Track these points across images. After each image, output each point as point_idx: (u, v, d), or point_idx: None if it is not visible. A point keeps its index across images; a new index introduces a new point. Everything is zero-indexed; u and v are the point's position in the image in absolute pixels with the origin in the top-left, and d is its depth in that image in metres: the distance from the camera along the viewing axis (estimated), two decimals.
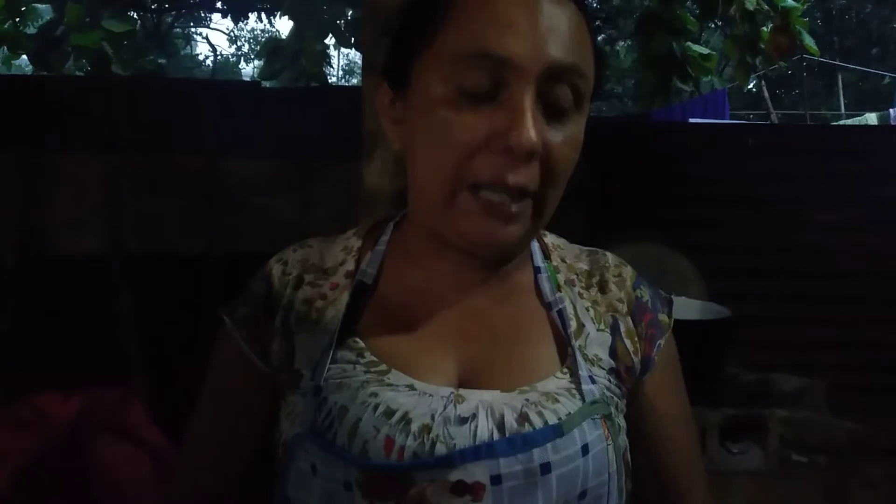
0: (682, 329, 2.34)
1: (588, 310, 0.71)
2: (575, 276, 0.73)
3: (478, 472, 0.59)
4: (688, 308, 2.28)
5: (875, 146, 3.44)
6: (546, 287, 0.71)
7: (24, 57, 4.80)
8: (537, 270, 0.72)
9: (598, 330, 0.70)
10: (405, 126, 0.65)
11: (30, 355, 2.46)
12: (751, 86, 11.61)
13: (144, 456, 1.63)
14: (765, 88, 10.35)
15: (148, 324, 2.47)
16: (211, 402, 0.75)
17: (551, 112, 0.60)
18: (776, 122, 9.86)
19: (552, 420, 0.62)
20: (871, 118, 7.58)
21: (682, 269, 2.74)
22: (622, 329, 0.71)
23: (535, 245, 0.73)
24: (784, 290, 3.23)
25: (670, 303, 0.77)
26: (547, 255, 0.74)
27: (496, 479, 0.59)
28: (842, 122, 8.54)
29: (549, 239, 0.77)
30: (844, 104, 12.71)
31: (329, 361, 0.65)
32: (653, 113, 5.03)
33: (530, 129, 0.57)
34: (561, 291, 0.71)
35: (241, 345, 0.71)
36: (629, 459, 0.68)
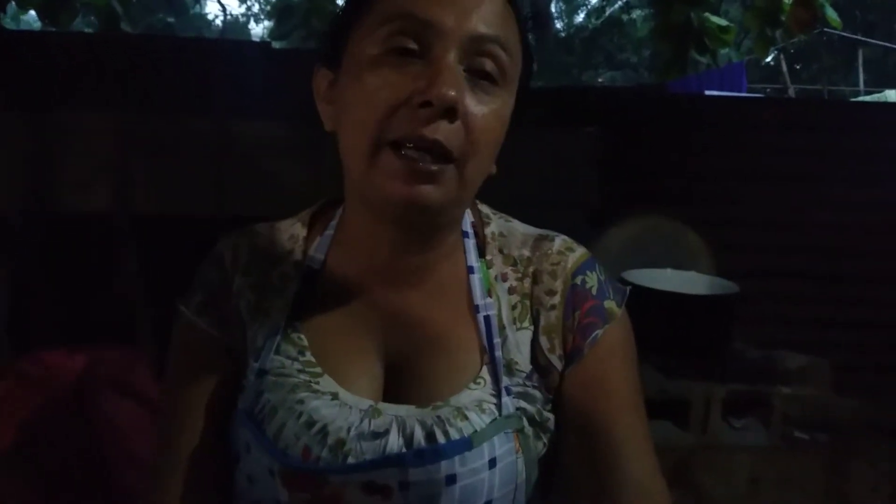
0: (690, 303, 2.35)
1: (515, 307, 0.72)
2: (509, 269, 0.73)
3: (387, 478, 0.64)
4: (696, 283, 2.27)
5: (894, 124, 3.38)
6: (477, 289, 0.71)
7: (33, 13, 4.75)
8: (470, 270, 0.72)
9: (519, 329, 0.71)
10: (337, 104, 0.67)
11: (38, 314, 2.48)
12: (769, 59, 11.43)
13: (149, 414, 1.64)
14: (783, 62, 10.19)
15: (155, 284, 2.48)
16: (186, 390, 0.73)
17: (476, 83, 0.62)
18: (793, 96, 9.72)
19: (457, 437, 0.65)
20: (891, 95, 7.47)
21: (691, 244, 2.73)
22: (541, 324, 0.71)
23: (471, 243, 0.74)
24: (793, 268, 3.21)
25: (624, 293, 0.75)
26: (482, 252, 0.74)
27: (404, 485, 0.64)
28: (861, 99, 8.41)
29: (492, 227, 0.76)
30: (864, 80, 12.50)
31: (273, 351, 0.70)
32: (669, 84, 4.97)
33: (449, 83, 0.59)
34: (491, 296, 0.72)
35: (207, 329, 0.73)
36: (550, 459, 0.71)
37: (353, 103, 0.63)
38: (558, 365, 0.71)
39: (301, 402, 0.67)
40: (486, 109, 0.62)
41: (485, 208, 0.79)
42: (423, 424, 0.65)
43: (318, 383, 0.68)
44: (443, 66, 0.60)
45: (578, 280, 0.72)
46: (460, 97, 0.60)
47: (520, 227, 0.77)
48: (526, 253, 0.74)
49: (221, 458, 0.72)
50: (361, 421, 0.66)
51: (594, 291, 0.72)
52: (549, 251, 0.74)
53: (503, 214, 0.79)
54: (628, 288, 0.77)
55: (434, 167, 0.61)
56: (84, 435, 1.59)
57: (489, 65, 0.62)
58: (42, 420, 1.59)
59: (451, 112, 0.60)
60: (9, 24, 5.92)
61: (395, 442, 0.65)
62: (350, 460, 0.64)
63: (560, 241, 0.75)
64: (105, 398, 1.65)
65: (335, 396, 0.68)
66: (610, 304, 0.73)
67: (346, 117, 0.65)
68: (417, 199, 0.61)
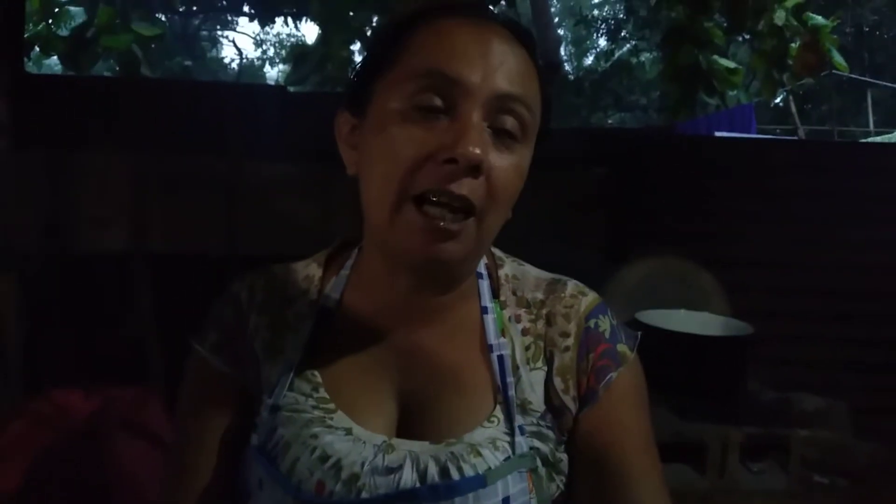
0: (704, 345, 2.32)
1: (528, 348, 0.72)
2: (523, 311, 0.74)
3: None
4: (710, 324, 2.25)
5: None
6: (491, 329, 0.72)
7: (55, 58, 4.88)
8: (484, 310, 0.74)
9: (532, 369, 0.72)
10: (360, 151, 0.69)
11: (52, 352, 2.49)
12: (778, 100, 11.51)
13: (162, 454, 1.63)
14: (792, 103, 10.26)
15: (169, 323, 2.49)
16: (199, 429, 0.74)
17: (498, 138, 0.64)
18: (803, 137, 9.75)
19: (471, 473, 0.65)
20: None
21: (704, 284, 2.72)
22: (556, 365, 0.72)
23: (485, 284, 0.75)
24: (808, 309, 3.18)
25: (636, 338, 0.76)
26: (496, 294, 0.75)
27: None
28: (870, 140, 8.42)
29: (505, 270, 0.78)
30: (874, 121, 12.54)
31: (286, 388, 0.71)
32: (678, 125, 5.00)
33: (475, 141, 0.61)
34: (504, 336, 0.73)
35: (221, 367, 0.74)
36: (563, 501, 0.71)
37: (377, 156, 0.65)
38: (572, 406, 0.71)
39: (315, 436, 0.67)
40: (507, 164, 0.64)
41: (497, 251, 0.80)
42: (436, 460, 0.66)
43: (331, 419, 0.69)
44: (469, 125, 0.62)
45: (592, 323, 0.73)
46: (485, 155, 0.62)
47: (532, 271, 0.79)
48: (539, 296, 0.75)
49: (230, 498, 0.72)
50: (375, 456, 0.66)
51: (607, 335, 0.73)
52: (563, 294, 0.75)
53: (515, 258, 0.81)
54: (639, 333, 0.77)
55: (455, 226, 0.62)
56: (96, 475, 1.58)
57: (511, 122, 0.64)
58: (54, 460, 1.58)
59: (475, 169, 0.61)
60: (31, 68, 6.08)
61: (409, 477, 0.65)
62: (364, 495, 0.64)
63: (572, 285, 0.76)
64: (117, 439, 1.64)
65: (349, 432, 0.68)
66: (623, 348, 0.74)
67: (370, 169, 0.66)
68: (438, 256, 0.63)
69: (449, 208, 0.62)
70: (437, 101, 0.63)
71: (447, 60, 0.63)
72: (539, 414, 0.70)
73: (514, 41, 0.66)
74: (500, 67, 0.64)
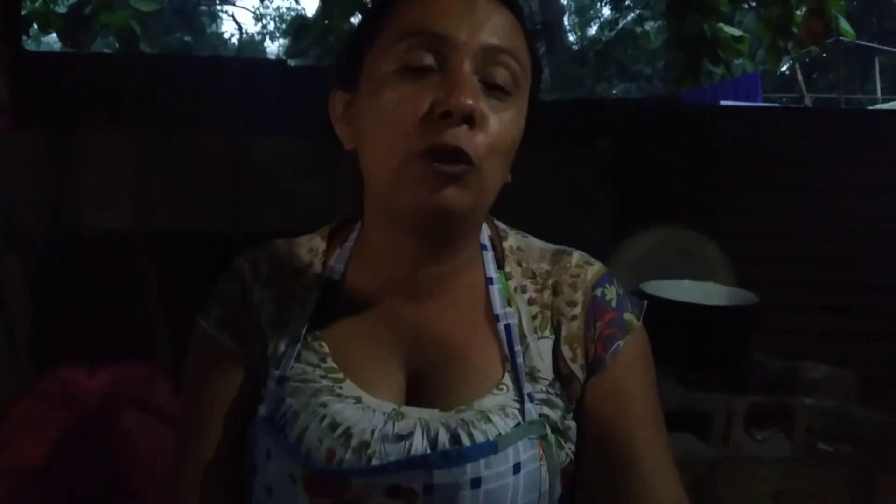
0: (710, 314, 2.32)
1: (535, 317, 0.73)
2: (528, 281, 0.75)
3: (412, 480, 0.64)
4: (715, 293, 2.25)
5: None
6: (497, 299, 0.73)
7: (53, 35, 4.84)
8: (489, 281, 0.74)
9: (540, 338, 0.72)
10: (356, 125, 0.69)
11: (58, 331, 2.51)
12: (784, 68, 11.38)
13: (171, 430, 1.65)
14: (799, 71, 10.13)
15: (174, 301, 2.50)
16: (205, 404, 0.74)
17: (490, 92, 0.65)
18: (810, 105, 9.65)
19: (482, 440, 0.65)
20: None
21: (710, 254, 2.70)
22: (563, 334, 0.72)
23: (489, 255, 0.75)
24: (814, 278, 3.17)
25: (642, 306, 0.77)
26: (501, 265, 0.76)
27: (429, 489, 0.64)
28: (878, 107, 8.33)
29: (510, 241, 0.78)
30: (881, 88, 12.39)
31: (294, 359, 0.71)
32: (683, 95, 4.96)
33: (466, 93, 0.62)
34: (511, 306, 0.73)
35: (226, 342, 0.74)
36: (572, 471, 0.71)
37: (375, 120, 0.66)
38: (580, 375, 0.72)
39: (324, 405, 0.68)
40: (501, 115, 0.65)
41: (501, 224, 0.80)
42: (447, 427, 0.66)
43: (340, 388, 0.69)
44: (459, 77, 0.63)
45: (598, 292, 0.73)
46: (477, 105, 0.63)
47: (537, 243, 0.79)
48: (545, 266, 0.75)
49: (238, 472, 0.73)
50: (385, 423, 0.67)
51: (614, 304, 0.74)
52: (568, 264, 0.75)
53: (519, 230, 0.81)
54: (645, 302, 0.77)
55: (457, 168, 0.63)
56: (105, 452, 1.60)
57: (501, 74, 0.66)
58: (63, 438, 1.60)
59: (469, 119, 0.62)
60: (30, 45, 6.04)
61: (419, 444, 0.65)
62: (374, 462, 0.65)
63: (577, 255, 0.77)
64: (126, 416, 1.66)
65: (358, 400, 0.69)
66: (629, 316, 0.74)
67: (370, 133, 0.67)
68: (444, 204, 0.63)
69: (450, 160, 0.62)
70: (428, 59, 0.64)
71: (434, 18, 0.64)
72: (548, 382, 0.71)
73: (498, 2, 0.68)
74: (485, 22, 0.65)
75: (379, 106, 0.65)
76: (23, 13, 3.44)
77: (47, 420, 1.63)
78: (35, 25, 4.43)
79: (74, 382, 1.73)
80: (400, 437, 0.66)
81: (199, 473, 0.72)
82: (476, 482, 0.64)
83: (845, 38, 5.00)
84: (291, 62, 4.02)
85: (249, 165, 2.64)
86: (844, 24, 4.19)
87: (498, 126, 0.65)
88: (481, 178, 0.64)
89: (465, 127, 0.62)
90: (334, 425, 0.66)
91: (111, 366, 1.83)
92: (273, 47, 23.86)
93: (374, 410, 0.68)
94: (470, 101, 0.62)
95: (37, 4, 4.54)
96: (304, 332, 0.72)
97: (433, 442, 0.65)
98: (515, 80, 0.66)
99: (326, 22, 5.95)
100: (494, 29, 0.65)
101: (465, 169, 0.63)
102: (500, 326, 0.72)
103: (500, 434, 0.66)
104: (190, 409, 0.75)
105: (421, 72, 0.64)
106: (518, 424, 0.67)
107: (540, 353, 0.71)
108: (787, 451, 1.99)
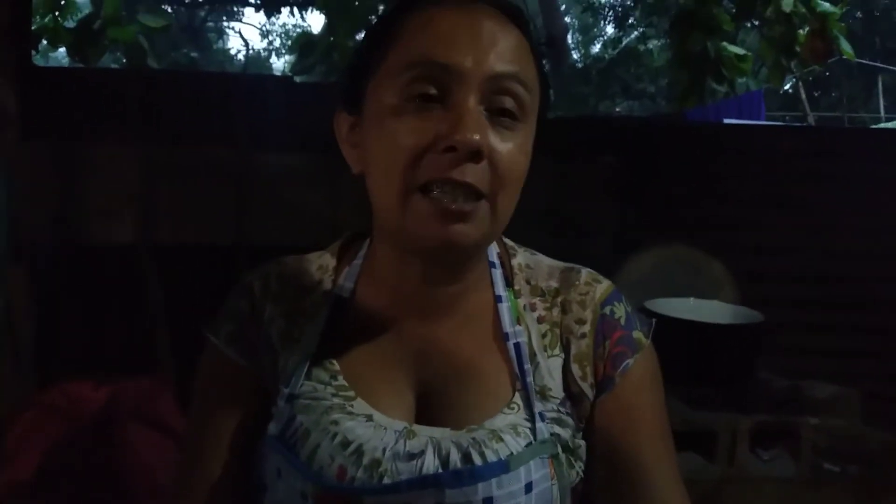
0: (715, 333, 2.31)
1: (545, 335, 0.72)
2: (537, 300, 0.74)
3: (424, 499, 0.63)
4: (720, 312, 2.24)
5: None
6: (506, 318, 0.72)
7: (62, 50, 4.88)
8: (498, 299, 0.73)
9: (549, 357, 0.71)
10: (361, 148, 0.68)
11: (62, 343, 2.51)
12: (787, 87, 11.42)
13: (173, 444, 1.65)
14: (802, 90, 10.16)
15: (178, 314, 2.50)
16: (213, 420, 0.74)
17: (497, 120, 0.63)
18: (813, 124, 9.67)
19: (494, 459, 0.64)
20: None
21: (714, 272, 2.70)
22: (573, 352, 0.72)
23: (498, 273, 0.75)
24: (818, 296, 3.16)
25: (650, 325, 0.76)
26: (510, 283, 0.75)
27: None
28: (881, 125, 8.35)
29: (518, 259, 0.78)
30: (884, 107, 12.42)
31: (304, 376, 0.70)
32: (687, 113, 4.97)
33: (472, 127, 0.60)
34: (520, 324, 0.72)
35: (236, 359, 0.74)
36: (582, 490, 0.71)
37: (378, 151, 0.65)
38: (590, 393, 0.71)
39: (335, 423, 0.67)
40: (509, 146, 0.64)
41: (509, 241, 0.80)
42: (458, 446, 0.65)
43: (352, 406, 0.69)
44: (464, 111, 0.61)
45: (607, 310, 0.73)
46: (484, 140, 0.61)
47: (545, 260, 0.79)
48: (553, 284, 0.75)
49: (245, 490, 0.72)
50: (396, 442, 0.66)
51: (622, 322, 0.73)
52: (577, 282, 0.75)
53: (527, 248, 0.80)
54: (653, 320, 0.77)
55: (467, 206, 0.62)
56: (108, 466, 1.59)
57: (509, 102, 0.64)
58: (66, 450, 1.60)
59: (476, 154, 0.61)
60: (39, 61, 6.09)
61: (430, 462, 0.64)
62: (386, 481, 0.64)
63: (586, 272, 0.76)
64: (129, 429, 1.65)
65: (370, 418, 0.68)
66: (638, 335, 0.74)
67: (373, 164, 0.66)
68: (452, 239, 0.62)
69: (460, 194, 0.61)
70: (431, 90, 0.62)
71: (437, 47, 0.62)
72: (558, 400, 0.70)
73: (505, 20, 0.66)
74: (491, 48, 0.63)
75: (381, 137, 0.64)
76: (32, 28, 3.47)
77: (50, 433, 1.63)
78: (44, 41, 4.47)
79: (77, 395, 1.73)
80: (411, 456, 0.65)
81: (205, 489, 0.71)
82: (488, 501, 0.63)
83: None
84: (297, 78, 4.05)
85: (254, 180, 2.65)
86: (845, 45, 4.21)
87: (506, 157, 0.63)
88: (493, 209, 0.64)
89: (472, 162, 0.61)
90: (346, 443, 0.66)
91: (114, 379, 1.83)
92: (279, 63, 24.06)
93: (385, 428, 0.67)
94: (476, 137, 0.60)
95: (46, 20, 4.58)
96: (314, 349, 0.71)
97: (444, 461, 0.64)
98: (522, 106, 0.65)
99: (332, 39, 5.99)
100: (501, 54, 0.63)
101: (475, 206, 0.62)
102: (510, 345, 0.71)
103: (512, 453, 0.65)
104: (198, 424, 0.75)
105: (425, 102, 0.62)
106: (529, 444, 0.67)
107: (550, 371, 0.71)
108: (793, 471, 1.98)
